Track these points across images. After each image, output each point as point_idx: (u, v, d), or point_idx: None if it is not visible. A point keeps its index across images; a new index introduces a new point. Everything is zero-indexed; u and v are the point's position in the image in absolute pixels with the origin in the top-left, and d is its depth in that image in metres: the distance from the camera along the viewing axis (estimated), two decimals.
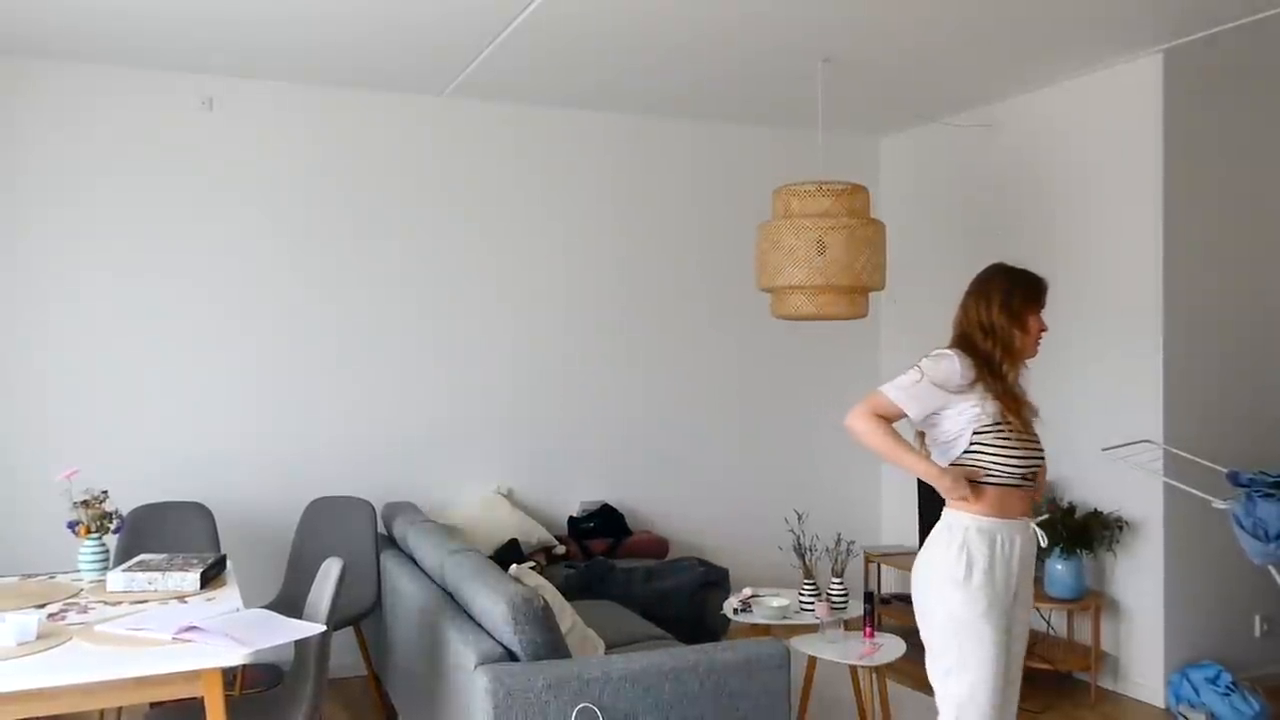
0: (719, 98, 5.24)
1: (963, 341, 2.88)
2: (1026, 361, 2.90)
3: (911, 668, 4.87)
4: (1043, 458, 2.89)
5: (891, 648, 3.83)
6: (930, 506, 5.41)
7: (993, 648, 2.72)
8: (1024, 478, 2.81)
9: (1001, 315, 2.84)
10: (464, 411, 5.23)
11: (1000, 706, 2.76)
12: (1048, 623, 4.89)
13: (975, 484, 2.78)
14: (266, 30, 4.18)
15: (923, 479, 2.82)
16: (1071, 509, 4.61)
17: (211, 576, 3.28)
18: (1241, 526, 3.83)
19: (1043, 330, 2.91)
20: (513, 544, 4.81)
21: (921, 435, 2.93)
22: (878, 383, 6.73)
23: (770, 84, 4.96)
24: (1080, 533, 4.50)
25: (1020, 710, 4.38)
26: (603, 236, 5.51)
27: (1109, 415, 4.61)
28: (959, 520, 2.79)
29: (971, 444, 2.79)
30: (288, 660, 3.26)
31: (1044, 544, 2.86)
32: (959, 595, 2.73)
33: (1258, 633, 4.71)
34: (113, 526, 3.48)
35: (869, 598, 3.98)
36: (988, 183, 5.37)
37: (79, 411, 4.57)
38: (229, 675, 3.03)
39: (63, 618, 2.85)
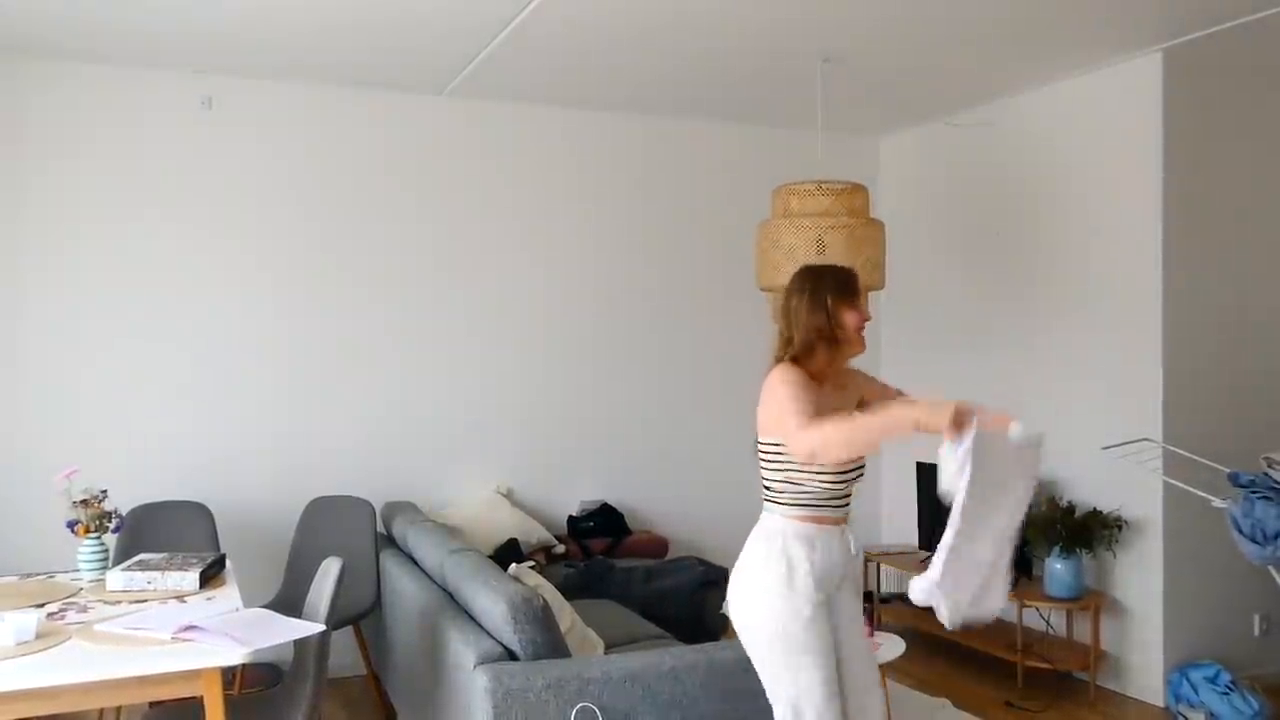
0: (719, 98, 5.24)
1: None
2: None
3: (911, 667, 4.88)
4: (862, 471, 2.79)
5: (891, 647, 3.82)
6: (930, 505, 5.43)
7: (818, 656, 2.59)
8: (835, 498, 2.70)
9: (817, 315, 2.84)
10: (464, 411, 5.22)
11: (835, 714, 2.61)
12: (1047, 622, 4.89)
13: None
14: (266, 30, 4.17)
15: (915, 428, 2.39)
16: (1071, 508, 4.61)
17: (211, 576, 3.28)
18: (1240, 530, 3.81)
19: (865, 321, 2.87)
20: (512, 544, 4.80)
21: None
22: None
23: (770, 84, 4.96)
24: (1080, 532, 4.50)
25: (1020, 710, 4.42)
26: (602, 236, 5.51)
27: (1109, 415, 4.61)
28: (774, 525, 2.70)
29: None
30: (287, 660, 3.26)
31: (854, 552, 2.74)
32: (781, 605, 2.61)
33: (1257, 632, 4.71)
34: (112, 526, 3.48)
35: (869, 597, 3.99)
36: (988, 183, 5.37)
37: (79, 411, 4.56)
38: (228, 675, 3.04)
39: (62, 617, 2.85)
